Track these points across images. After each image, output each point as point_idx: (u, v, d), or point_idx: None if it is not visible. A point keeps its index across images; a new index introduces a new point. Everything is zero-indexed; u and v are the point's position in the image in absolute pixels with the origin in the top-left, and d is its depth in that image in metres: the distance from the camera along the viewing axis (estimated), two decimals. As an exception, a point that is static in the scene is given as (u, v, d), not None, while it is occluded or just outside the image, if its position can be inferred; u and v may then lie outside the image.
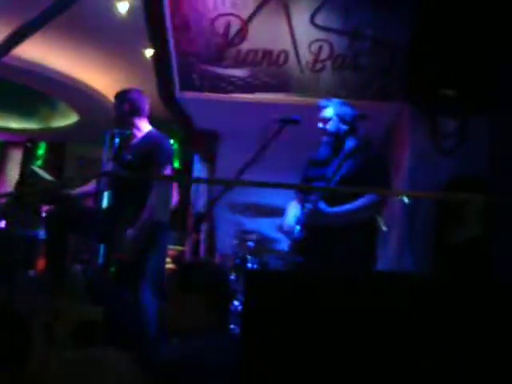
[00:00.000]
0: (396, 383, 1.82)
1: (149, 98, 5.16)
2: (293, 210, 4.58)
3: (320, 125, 4.51)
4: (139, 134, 4.93)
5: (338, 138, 4.51)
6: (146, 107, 5.03)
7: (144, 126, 4.96)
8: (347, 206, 4.30)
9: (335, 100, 4.62)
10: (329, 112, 4.52)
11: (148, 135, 4.92)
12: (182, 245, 8.52)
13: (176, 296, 2.71)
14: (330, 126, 4.50)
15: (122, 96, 5.02)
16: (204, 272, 2.72)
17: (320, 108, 4.57)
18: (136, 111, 4.96)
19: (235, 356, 1.95)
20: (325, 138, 4.51)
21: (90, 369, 1.26)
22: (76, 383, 1.22)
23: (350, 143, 4.51)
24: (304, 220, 4.32)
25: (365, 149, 4.49)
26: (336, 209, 4.26)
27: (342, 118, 4.51)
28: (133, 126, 4.93)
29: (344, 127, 4.51)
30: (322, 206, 4.20)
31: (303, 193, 4.55)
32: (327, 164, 4.47)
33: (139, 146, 4.87)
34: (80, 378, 1.23)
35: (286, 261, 4.46)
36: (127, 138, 4.90)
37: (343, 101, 4.64)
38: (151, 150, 4.78)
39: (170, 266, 7.98)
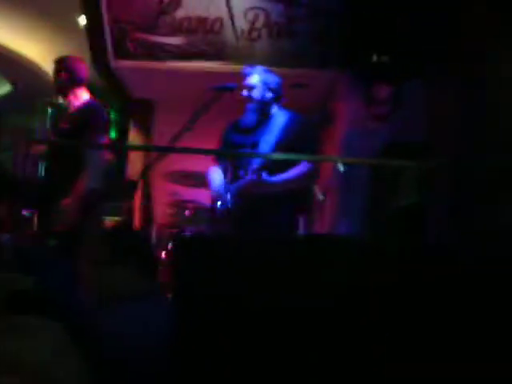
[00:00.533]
0: (329, 349, 1.83)
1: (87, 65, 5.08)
2: (218, 176, 4.57)
3: (245, 92, 4.51)
4: (77, 103, 4.84)
5: (263, 105, 4.51)
6: (85, 75, 4.94)
7: (82, 95, 4.88)
8: (284, 175, 4.32)
9: (260, 67, 4.62)
10: (254, 79, 4.52)
11: (85, 104, 4.84)
12: (120, 214, 8.45)
13: (103, 263, 2.70)
14: (255, 94, 4.49)
15: (59, 64, 4.92)
16: (124, 238, 2.72)
17: (244, 75, 4.56)
18: (74, 80, 4.87)
19: (168, 323, 1.94)
20: (250, 106, 4.51)
21: (10, 336, 1.22)
22: None
23: (278, 113, 4.53)
24: (240, 188, 4.29)
25: (296, 118, 4.50)
26: (275, 178, 4.26)
27: (267, 86, 4.52)
28: (71, 94, 4.84)
29: (270, 94, 4.53)
30: (264, 175, 4.19)
31: (228, 159, 4.56)
32: (253, 131, 4.48)
33: (76, 115, 4.79)
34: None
35: (217, 227, 4.45)
36: (63, 107, 4.82)
37: (267, 68, 4.63)
38: (87, 119, 4.71)
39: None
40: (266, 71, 4.58)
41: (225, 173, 4.61)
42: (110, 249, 2.67)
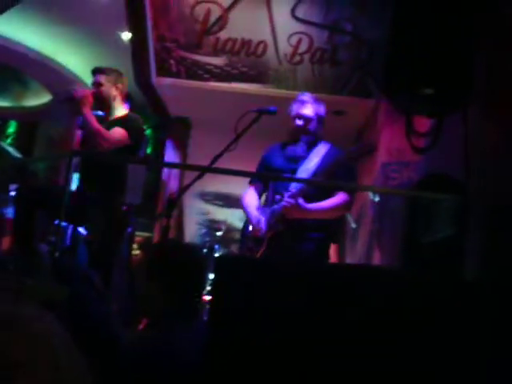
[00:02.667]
0: (358, 371, 1.82)
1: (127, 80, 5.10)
2: (254, 200, 4.57)
3: (300, 122, 4.46)
4: (115, 116, 4.84)
5: (315, 137, 4.51)
6: (125, 90, 4.96)
7: (121, 108, 4.89)
8: (321, 204, 4.32)
9: (313, 96, 4.59)
10: (309, 110, 4.47)
11: (125, 118, 4.84)
12: (150, 231, 8.49)
13: (145, 281, 2.68)
14: (311, 127, 4.47)
15: (100, 75, 4.91)
16: (178, 255, 2.69)
17: (299, 102, 4.52)
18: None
19: (203, 345, 1.92)
20: (305, 137, 4.47)
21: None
22: None
23: (322, 143, 4.52)
24: (276, 212, 4.28)
25: (335, 150, 4.49)
26: (311, 205, 4.26)
27: (320, 119, 4.51)
28: (110, 107, 4.86)
29: (321, 128, 4.53)
30: (300, 200, 4.19)
31: (269, 183, 4.56)
32: (300, 160, 4.46)
33: (115, 125, 4.78)
34: None
35: (250, 251, 4.44)
36: (102, 119, 4.82)
37: (319, 97, 4.62)
38: (130, 130, 4.70)
39: (136, 252, 7.96)
40: (319, 102, 4.56)
41: (260, 195, 4.61)
42: (158, 267, 2.65)
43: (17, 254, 4.31)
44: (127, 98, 4.96)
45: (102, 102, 4.84)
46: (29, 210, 4.55)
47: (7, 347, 1.11)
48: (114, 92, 4.83)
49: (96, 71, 4.90)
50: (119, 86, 4.86)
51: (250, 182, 4.71)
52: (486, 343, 1.83)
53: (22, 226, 4.57)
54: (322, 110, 4.53)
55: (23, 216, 4.59)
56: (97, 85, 4.83)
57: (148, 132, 4.66)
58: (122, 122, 4.71)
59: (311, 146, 4.49)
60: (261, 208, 4.48)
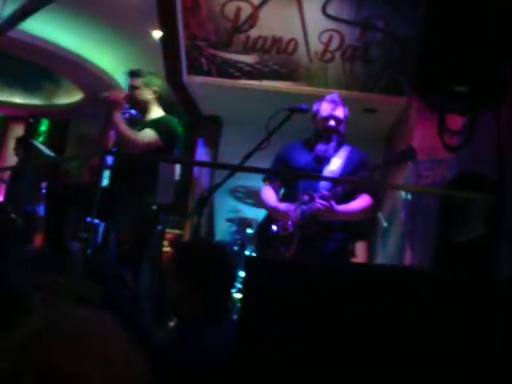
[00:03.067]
0: (392, 377, 1.80)
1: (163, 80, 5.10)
2: (272, 197, 4.55)
3: (332, 123, 4.44)
4: (149, 116, 4.84)
5: (343, 138, 4.54)
6: (162, 91, 4.94)
7: (157, 110, 4.88)
8: (350, 206, 4.32)
9: (341, 97, 4.58)
10: (341, 112, 4.48)
11: (159, 120, 4.82)
12: (181, 228, 8.51)
13: (174, 279, 2.67)
14: (341, 128, 4.48)
15: (137, 76, 4.89)
16: (207, 255, 2.68)
17: (332, 102, 4.51)
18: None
19: (232, 347, 1.92)
20: (336, 138, 4.46)
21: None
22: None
23: (347, 148, 4.54)
24: (307, 213, 4.27)
25: (356, 151, 4.50)
26: (342, 207, 4.27)
27: (347, 120, 4.52)
28: (146, 109, 4.85)
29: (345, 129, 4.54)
30: (333, 202, 4.19)
31: (285, 181, 4.58)
32: (326, 160, 4.46)
33: (151, 126, 4.77)
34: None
35: (275, 251, 4.42)
36: (136, 120, 4.83)
37: (346, 97, 4.62)
38: (165, 132, 4.70)
39: (167, 249, 7.98)
40: (344, 104, 4.55)
41: (278, 194, 4.59)
42: (187, 265, 2.64)
43: (48, 251, 4.34)
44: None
45: (137, 105, 4.85)
46: (60, 207, 4.58)
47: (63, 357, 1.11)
48: (149, 95, 4.82)
49: (131, 74, 4.89)
50: (155, 88, 4.85)
51: (266, 180, 4.68)
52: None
53: (53, 223, 4.60)
54: (347, 112, 4.54)
55: (54, 214, 4.62)
56: (132, 88, 4.83)
57: (179, 130, 4.67)
58: (155, 124, 4.71)
59: (339, 147, 4.50)
60: (289, 208, 4.45)
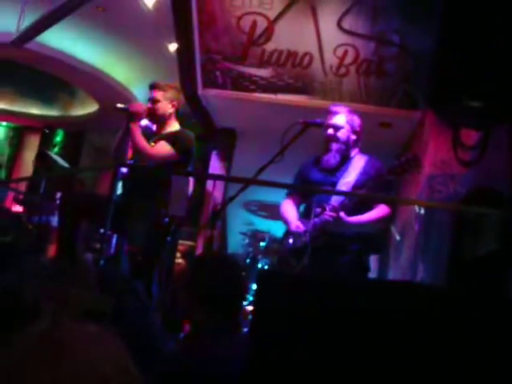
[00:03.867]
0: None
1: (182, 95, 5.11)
2: (292, 211, 4.56)
3: (330, 131, 4.45)
4: (166, 129, 4.84)
5: (347, 146, 4.48)
6: (181, 106, 4.95)
7: (174, 124, 4.88)
8: (362, 217, 4.30)
9: (346, 107, 4.59)
10: (341, 120, 4.48)
11: (175, 134, 4.82)
12: (194, 240, 8.53)
13: (186, 292, 2.68)
14: (341, 135, 4.45)
15: (159, 91, 4.88)
16: (218, 269, 2.69)
17: (331, 112, 4.53)
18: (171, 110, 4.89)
19: (243, 360, 1.92)
20: (335, 146, 4.46)
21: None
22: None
23: (357, 155, 4.51)
24: (318, 225, 4.26)
25: (372, 160, 4.47)
26: (352, 219, 4.25)
27: (352, 127, 4.49)
28: (164, 123, 4.85)
29: (353, 137, 4.50)
30: (342, 213, 4.17)
31: (305, 195, 4.54)
32: (334, 172, 4.45)
33: (166, 139, 4.77)
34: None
35: (288, 264, 4.42)
36: (152, 133, 4.82)
37: (352, 109, 4.61)
38: (179, 147, 4.70)
39: (179, 260, 7.99)
40: (351, 112, 4.55)
41: (298, 208, 4.59)
42: (199, 278, 2.65)
43: (61, 262, 4.35)
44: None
45: (157, 119, 4.85)
46: (73, 218, 4.59)
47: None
48: (169, 109, 4.82)
49: (153, 87, 4.89)
50: (175, 103, 4.86)
51: (288, 194, 4.70)
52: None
53: (66, 234, 4.61)
54: (356, 120, 4.52)
55: (67, 224, 4.63)
56: (153, 101, 4.83)
57: (194, 145, 4.70)
58: (171, 137, 4.72)
59: (345, 156, 4.47)
60: (300, 220, 4.45)
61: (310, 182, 4.53)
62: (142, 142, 4.60)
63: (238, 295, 2.70)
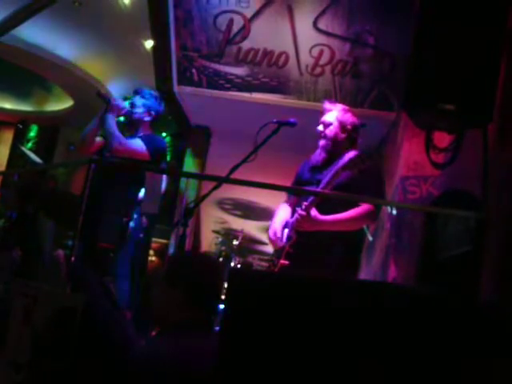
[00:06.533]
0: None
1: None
2: (282, 213, 4.53)
3: (320, 127, 4.43)
4: (138, 133, 4.84)
5: (335, 143, 4.40)
6: (160, 114, 4.98)
7: (146, 129, 4.89)
8: (339, 215, 4.23)
9: (339, 105, 4.55)
10: (331, 117, 4.42)
11: (148, 136, 4.82)
12: (167, 238, 8.50)
13: (161, 289, 2.69)
14: (329, 131, 4.40)
15: (140, 97, 4.89)
16: (196, 266, 2.70)
17: (324, 110, 4.51)
18: (150, 115, 4.90)
19: (213, 357, 1.92)
20: (322, 142, 4.41)
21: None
22: None
23: (348, 153, 4.22)
24: (294, 225, 4.25)
25: (363, 161, 4.37)
26: (327, 216, 4.20)
27: (342, 125, 4.40)
28: (138, 129, 4.86)
29: (343, 135, 4.41)
30: (313, 212, 4.12)
31: (298, 196, 4.48)
32: (322, 169, 4.36)
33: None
34: None
35: (271, 263, 4.41)
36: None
37: (347, 107, 4.56)
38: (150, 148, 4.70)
39: (152, 258, 7.97)
40: (346, 110, 4.50)
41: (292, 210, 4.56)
42: (175, 275, 2.65)
43: (30, 258, 4.33)
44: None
45: (131, 124, 4.86)
46: (35, 214, 4.58)
47: None
48: (146, 117, 4.84)
49: (137, 92, 4.92)
50: (153, 113, 4.87)
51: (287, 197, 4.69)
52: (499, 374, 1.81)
53: (30, 230, 4.60)
54: (346, 117, 4.44)
55: (31, 220, 4.62)
56: (132, 106, 4.84)
57: (167, 140, 4.65)
58: (144, 139, 4.73)
59: (334, 154, 4.37)
60: (285, 221, 4.43)
61: (302, 181, 4.49)
62: (115, 130, 4.60)
63: (214, 294, 2.70)
